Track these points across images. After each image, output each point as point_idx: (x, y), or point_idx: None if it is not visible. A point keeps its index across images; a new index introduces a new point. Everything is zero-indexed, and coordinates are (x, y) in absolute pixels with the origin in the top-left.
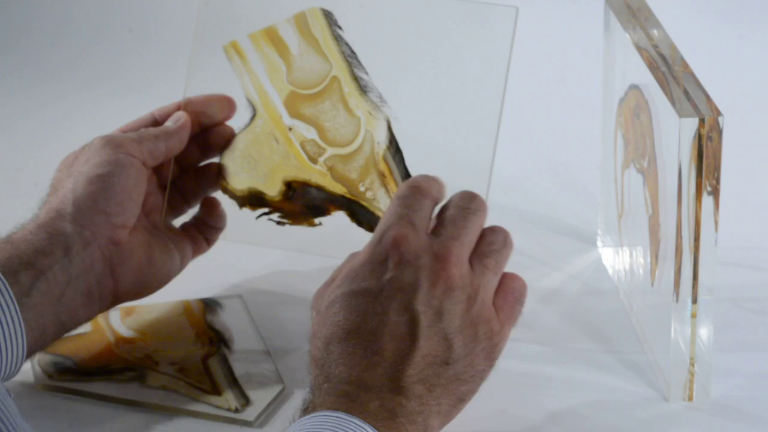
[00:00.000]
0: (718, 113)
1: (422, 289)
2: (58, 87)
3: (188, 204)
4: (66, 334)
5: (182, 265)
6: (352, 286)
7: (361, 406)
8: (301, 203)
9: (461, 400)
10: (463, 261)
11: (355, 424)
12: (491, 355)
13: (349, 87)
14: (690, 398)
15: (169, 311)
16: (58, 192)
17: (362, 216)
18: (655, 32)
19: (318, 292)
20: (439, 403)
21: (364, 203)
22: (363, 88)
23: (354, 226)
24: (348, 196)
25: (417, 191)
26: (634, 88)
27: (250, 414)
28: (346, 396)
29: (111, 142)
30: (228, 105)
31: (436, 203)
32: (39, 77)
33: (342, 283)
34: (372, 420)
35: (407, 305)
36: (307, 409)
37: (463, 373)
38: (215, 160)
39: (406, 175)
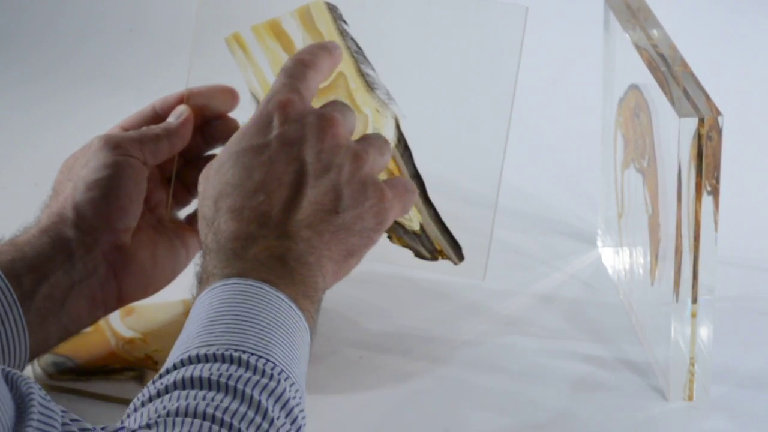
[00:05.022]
0: (718, 113)
1: (309, 142)
2: (54, 83)
3: (192, 195)
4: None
5: (188, 259)
6: (239, 145)
7: (250, 263)
8: None
9: (351, 254)
10: (348, 128)
11: (251, 285)
12: (380, 216)
13: (355, 83)
14: (690, 398)
15: (169, 311)
16: (59, 196)
17: None
18: (655, 32)
19: (203, 171)
20: (329, 249)
21: None
22: (370, 85)
23: None
24: None
25: (302, 64)
26: (634, 88)
27: None
28: (235, 255)
29: (109, 143)
30: (231, 96)
31: (323, 77)
32: (34, 73)
33: (229, 146)
34: (265, 273)
35: (295, 156)
36: (201, 280)
37: (352, 224)
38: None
39: (415, 173)
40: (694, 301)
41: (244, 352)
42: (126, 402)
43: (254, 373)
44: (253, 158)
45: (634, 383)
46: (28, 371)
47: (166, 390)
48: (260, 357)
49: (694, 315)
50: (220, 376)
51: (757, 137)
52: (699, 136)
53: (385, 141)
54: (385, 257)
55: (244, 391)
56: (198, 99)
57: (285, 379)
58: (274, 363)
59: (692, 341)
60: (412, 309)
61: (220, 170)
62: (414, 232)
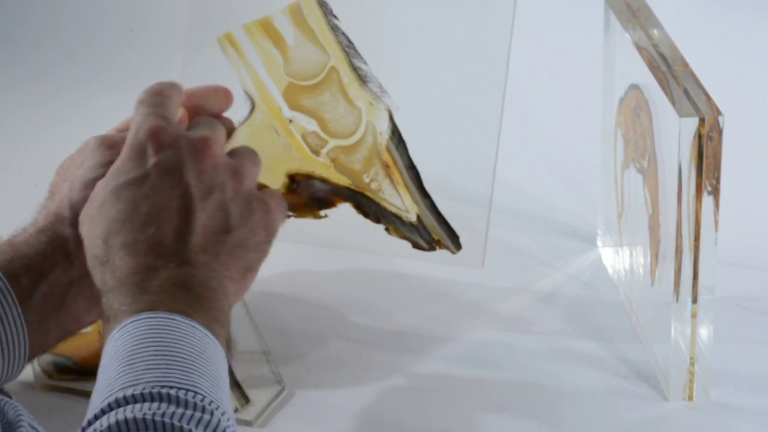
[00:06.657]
0: (718, 113)
1: (188, 165)
2: (54, 83)
3: None
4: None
5: None
6: (117, 181)
7: (157, 295)
8: (305, 196)
9: (249, 269)
10: (221, 145)
11: (163, 318)
12: (269, 227)
13: (348, 77)
14: (690, 398)
15: None
16: (56, 196)
17: (368, 207)
18: (655, 32)
19: (83, 211)
20: (229, 269)
21: (369, 194)
22: (362, 79)
23: (360, 217)
24: (353, 187)
25: (157, 94)
26: (634, 87)
27: (249, 414)
28: (139, 290)
29: (105, 143)
30: (225, 96)
31: (176, 108)
32: (34, 73)
33: (107, 183)
34: (173, 303)
35: (177, 182)
36: (109, 319)
37: (245, 240)
38: None
39: (410, 165)
40: (694, 301)
41: (171, 387)
42: None
43: (186, 408)
44: (135, 191)
45: (634, 383)
46: (28, 371)
47: None
48: (188, 390)
49: (694, 315)
50: (153, 415)
51: (757, 137)
52: (699, 136)
53: (254, 151)
54: (383, 249)
55: (182, 428)
56: (192, 100)
57: (216, 409)
58: (202, 395)
59: (692, 341)
60: (413, 308)
61: (102, 209)
62: (411, 224)
